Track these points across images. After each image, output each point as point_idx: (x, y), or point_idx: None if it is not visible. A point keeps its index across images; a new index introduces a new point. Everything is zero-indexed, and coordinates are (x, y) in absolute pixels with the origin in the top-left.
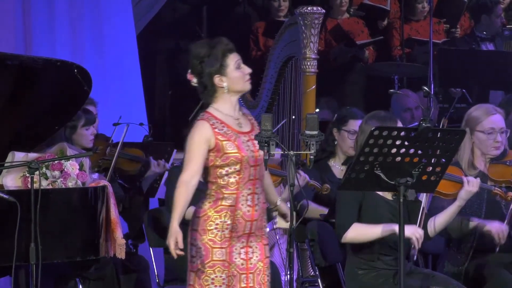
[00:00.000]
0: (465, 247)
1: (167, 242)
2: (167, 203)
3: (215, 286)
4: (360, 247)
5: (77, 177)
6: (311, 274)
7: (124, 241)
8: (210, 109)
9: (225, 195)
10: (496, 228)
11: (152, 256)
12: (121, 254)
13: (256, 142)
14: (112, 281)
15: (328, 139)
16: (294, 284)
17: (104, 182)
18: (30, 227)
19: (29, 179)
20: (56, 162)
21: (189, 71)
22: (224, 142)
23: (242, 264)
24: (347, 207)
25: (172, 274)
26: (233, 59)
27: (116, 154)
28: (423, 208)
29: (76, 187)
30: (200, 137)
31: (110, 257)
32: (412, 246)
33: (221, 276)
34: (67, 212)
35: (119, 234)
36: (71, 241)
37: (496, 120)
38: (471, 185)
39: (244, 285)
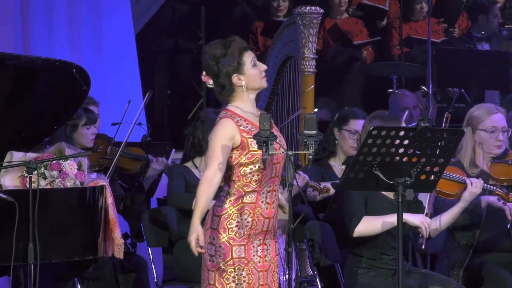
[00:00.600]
0: (466, 245)
1: (188, 239)
2: (169, 199)
3: (236, 284)
4: (361, 246)
5: (75, 177)
6: (310, 274)
7: (122, 241)
8: (231, 107)
9: (247, 193)
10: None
11: (151, 256)
12: (119, 254)
13: (278, 139)
14: (110, 281)
15: (329, 138)
16: (293, 284)
17: (102, 182)
18: (28, 227)
19: (28, 179)
20: (54, 162)
21: (204, 72)
22: (250, 140)
23: (259, 262)
24: (355, 202)
25: (171, 274)
26: (249, 57)
27: (119, 152)
28: (425, 208)
29: (74, 187)
30: (225, 134)
31: (108, 257)
32: (420, 235)
33: (241, 274)
34: (65, 212)
35: (117, 234)
36: (70, 241)
37: (498, 119)
38: (475, 187)
39: (262, 282)
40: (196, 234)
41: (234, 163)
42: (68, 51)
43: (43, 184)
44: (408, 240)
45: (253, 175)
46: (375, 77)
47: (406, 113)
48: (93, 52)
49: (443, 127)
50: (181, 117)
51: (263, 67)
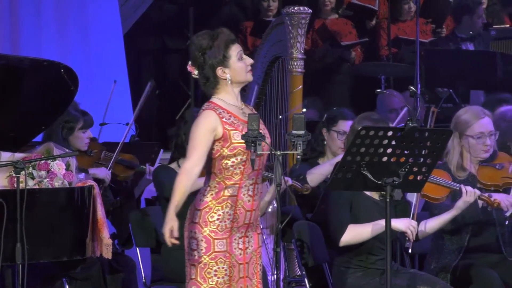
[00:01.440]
0: (456, 248)
1: (163, 230)
2: (163, 190)
3: (218, 277)
4: (349, 247)
5: (63, 177)
6: (298, 274)
7: (110, 241)
8: (214, 99)
9: (228, 186)
10: (503, 198)
11: (139, 256)
12: (107, 254)
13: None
14: (98, 281)
15: (317, 138)
16: (281, 284)
17: (90, 182)
18: (16, 227)
19: (16, 179)
20: (42, 162)
21: (190, 62)
22: (232, 132)
23: (240, 254)
24: (339, 210)
25: (159, 274)
26: (235, 50)
27: (113, 158)
28: (414, 208)
29: (62, 187)
30: (207, 126)
31: (96, 257)
32: (407, 238)
33: (223, 267)
34: (53, 212)
35: (105, 234)
36: (58, 241)
37: (485, 123)
38: (469, 196)
39: (242, 275)
40: (171, 225)
41: (216, 155)
42: (57, 52)
43: (31, 184)
44: (396, 241)
45: (235, 168)
46: (363, 77)
47: (405, 109)
48: (81, 52)
49: (429, 122)
50: (169, 117)
51: (249, 61)
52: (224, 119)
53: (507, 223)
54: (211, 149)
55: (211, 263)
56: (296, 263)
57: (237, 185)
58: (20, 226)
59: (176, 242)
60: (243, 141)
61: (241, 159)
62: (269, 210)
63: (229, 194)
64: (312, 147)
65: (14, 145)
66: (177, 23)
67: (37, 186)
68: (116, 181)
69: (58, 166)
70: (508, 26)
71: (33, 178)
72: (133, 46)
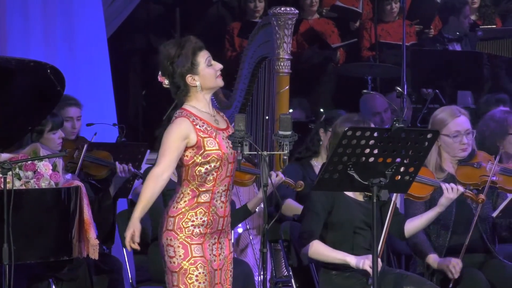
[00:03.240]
0: (439, 247)
1: (125, 234)
2: None
3: (199, 282)
4: (335, 247)
5: (50, 178)
6: (285, 274)
7: (97, 241)
8: (187, 107)
9: (201, 193)
10: (448, 264)
11: (125, 256)
12: (94, 254)
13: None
14: (85, 282)
15: (313, 138)
16: (268, 285)
17: (77, 183)
18: (3, 228)
19: (2, 180)
20: (29, 162)
21: (160, 73)
22: (206, 139)
23: (214, 261)
24: (312, 220)
25: (145, 274)
26: (203, 57)
27: (81, 157)
28: (392, 206)
29: (49, 187)
30: (179, 133)
31: (83, 258)
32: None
33: (203, 272)
34: (40, 213)
35: (92, 234)
36: (44, 242)
37: (461, 122)
38: (451, 192)
39: (217, 281)
40: (133, 229)
41: (190, 162)
42: (43, 52)
43: (17, 184)
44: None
45: (208, 175)
46: (349, 78)
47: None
48: (67, 53)
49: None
50: (156, 117)
51: (219, 66)
52: (197, 126)
53: (494, 214)
54: (184, 156)
55: (191, 268)
56: (283, 263)
57: (210, 191)
58: (7, 226)
59: (136, 247)
60: (216, 148)
61: (214, 165)
62: (256, 210)
63: (202, 201)
64: (307, 147)
65: (1, 145)
66: (164, 24)
67: (23, 187)
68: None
69: (44, 167)
70: (494, 26)
71: (19, 179)
72: (120, 46)
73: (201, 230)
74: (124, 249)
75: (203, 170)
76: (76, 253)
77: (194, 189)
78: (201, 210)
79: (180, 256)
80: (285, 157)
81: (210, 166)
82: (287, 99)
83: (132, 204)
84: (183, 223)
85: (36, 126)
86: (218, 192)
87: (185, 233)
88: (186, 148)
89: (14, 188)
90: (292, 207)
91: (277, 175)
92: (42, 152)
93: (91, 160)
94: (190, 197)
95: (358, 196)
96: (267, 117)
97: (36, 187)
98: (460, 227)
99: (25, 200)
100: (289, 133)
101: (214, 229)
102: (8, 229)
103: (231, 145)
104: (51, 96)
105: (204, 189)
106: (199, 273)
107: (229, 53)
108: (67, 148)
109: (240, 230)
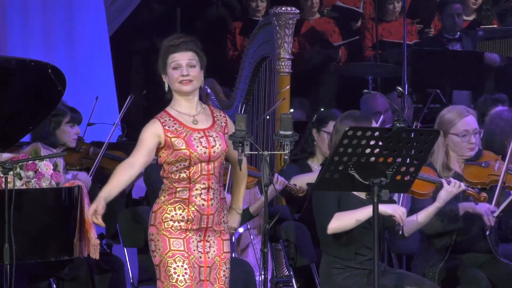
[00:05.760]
0: (443, 247)
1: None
2: (147, 200)
3: (178, 275)
4: (336, 247)
5: (51, 178)
6: (286, 274)
7: (98, 241)
8: (167, 108)
9: (178, 189)
10: (485, 210)
11: (127, 256)
12: (95, 254)
13: (213, 138)
14: (86, 281)
15: (308, 139)
16: (269, 284)
17: (78, 183)
18: (4, 227)
19: (3, 179)
20: (30, 162)
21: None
22: (173, 139)
23: (200, 257)
24: (327, 200)
25: (146, 274)
26: (173, 58)
27: (101, 151)
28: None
29: (50, 187)
30: (149, 132)
31: (84, 257)
32: (397, 223)
33: (182, 266)
34: (41, 213)
35: (93, 234)
36: (45, 242)
37: (469, 121)
38: (452, 186)
39: (203, 278)
40: (96, 205)
41: (163, 161)
42: (43, 52)
43: (18, 184)
44: (384, 240)
45: (181, 173)
46: (350, 78)
47: (382, 117)
48: (67, 52)
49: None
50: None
51: (184, 72)
52: (166, 127)
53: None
54: (159, 156)
55: (170, 261)
56: (284, 263)
57: (187, 189)
58: (8, 226)
59: (99, 222)
60: (184, 147)
61: (183, 165)
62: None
63: (181, 197)
64: (302, 148)
65: (2, 145)
66: (165, 23)
67: (24, 187)
68: (105, 175)
69: (45, 167)
70: (495, 26)
71: (20, 179)
72: (121, 46)
73: (182, 225)
74: (125, 249)
75: (174, 168)
76: (77, 253)
77: (171, 186)
78: (180, 205)
79: (159, 249)
80: (285, 157)
81: (180, 165)
82: (287, 99)
83: (135, 203)
84: (163, 217)
85: (36, 126)
86: (196, 189)
87: (164, 227)
88: (159, 149)
89: (15, 188)
90: (303, 179)
91: (277, 180)
92: (43, 152)
93: (109, 157)
94: (169, 192)
95: (361, 194)
96: (267, 117)
97: (37, 187)
98: (466, 228)
99: (26, 200)
100: (290, 133)
101: (197, 225)
102: (9, 229)
103: (207, 145)
104: (52, 96)
105: (181, 186)
106: (177, 266)
107: (230, 52)
108: (82, 146)
109: (241, 230)
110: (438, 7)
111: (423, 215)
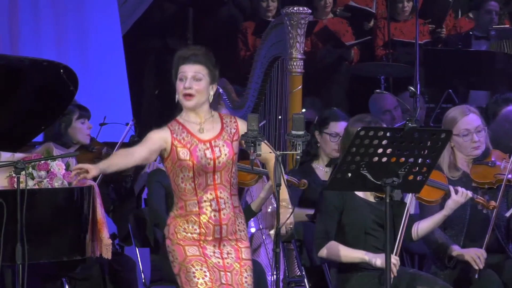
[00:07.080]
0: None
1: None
2: (150, 215)
3: (198, 278)
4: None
5: (63, 177)
6: (298, 274)
7: (110, 241)
8: (178, 117)
9: (188, 203)
10: (472, 254)
11: (138, 256)
12: (107, 254)
13: (218, 148)
14: (98, 281)
15: (311, 141)
16: (281, 284)
17: (90, 182)
18: (16, 227)
19: (16, 179)
20: (42, 162)
21: None
22: (179, 149)
23: (219, 262)
24: (326, 220)
25: (158, 274)
26: (181, 69)
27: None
28: (407, 209)
29: (62, 187)
30: (157, 134)
31: (96, 257)
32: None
33: (201, 269)
34: (53, 212)
35: (105, 234)
36: (57, 241)
37: (470, 120)
38: (460, 196)
39: (224, 282)
40: (86, 167)
41: (169, 173)
42: (55, 52)
43: (31, 184)
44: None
45: (185, 184)
46: (362, 77)
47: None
48: (79, 52)
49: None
50: (168, 117)
51: (186, 84)
52: (174, 135)
53: (507, 214)
54: (165, 166)
55: (188, 267)
56: (296, 263)
57: (195, 201)
58: (20, 226)
59: (87, 175)
60: (188, 158)
61: (187, 175)
62: (269, 210)
63: (191, 210)
64: (306, 151)
65: (14, 145)
66: (177, 23)
67: (37, 186)
68: (115, 180)
69: (58, 166)
70: (507, 26)
71: (33, 178)
72: (133, 46)
73: (195, 236)
74: (137, 249)
75: (179, 179)
76: (89, 253)
77: (180, 199)
78: (191, 218)
79: (177, 258)
80: (297, 157)
81: (184, 175)
82: (300, 99)
83: (147, 203)
84: (176, 230)
85: (48, 126)
86: (204, 201)
87: (177, 237)
88: (165, 159)
89: (27, 187)
90: (298, 213)
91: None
92: (56, 152)
93: None
94: (179, 206)
95: (369, 196)
96: (279, 117)
97: (49, 186)
98: (474, 231)
99: (38, 200)
100: (302, 133)
101: (211, 237)
102: (21, 229)
103: (212, 156)
104: (64, 95)
105: (189, 199)
106: (196, 270)
107: (242, 52)
108: (95, 146)
109: (253, 230)
110: (472, 5)
111: (429, 223)
